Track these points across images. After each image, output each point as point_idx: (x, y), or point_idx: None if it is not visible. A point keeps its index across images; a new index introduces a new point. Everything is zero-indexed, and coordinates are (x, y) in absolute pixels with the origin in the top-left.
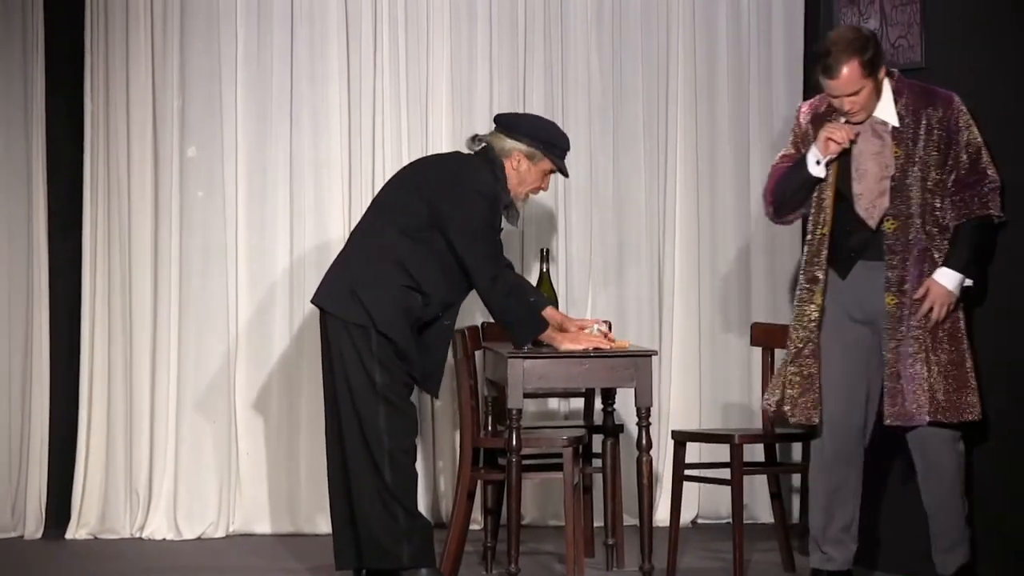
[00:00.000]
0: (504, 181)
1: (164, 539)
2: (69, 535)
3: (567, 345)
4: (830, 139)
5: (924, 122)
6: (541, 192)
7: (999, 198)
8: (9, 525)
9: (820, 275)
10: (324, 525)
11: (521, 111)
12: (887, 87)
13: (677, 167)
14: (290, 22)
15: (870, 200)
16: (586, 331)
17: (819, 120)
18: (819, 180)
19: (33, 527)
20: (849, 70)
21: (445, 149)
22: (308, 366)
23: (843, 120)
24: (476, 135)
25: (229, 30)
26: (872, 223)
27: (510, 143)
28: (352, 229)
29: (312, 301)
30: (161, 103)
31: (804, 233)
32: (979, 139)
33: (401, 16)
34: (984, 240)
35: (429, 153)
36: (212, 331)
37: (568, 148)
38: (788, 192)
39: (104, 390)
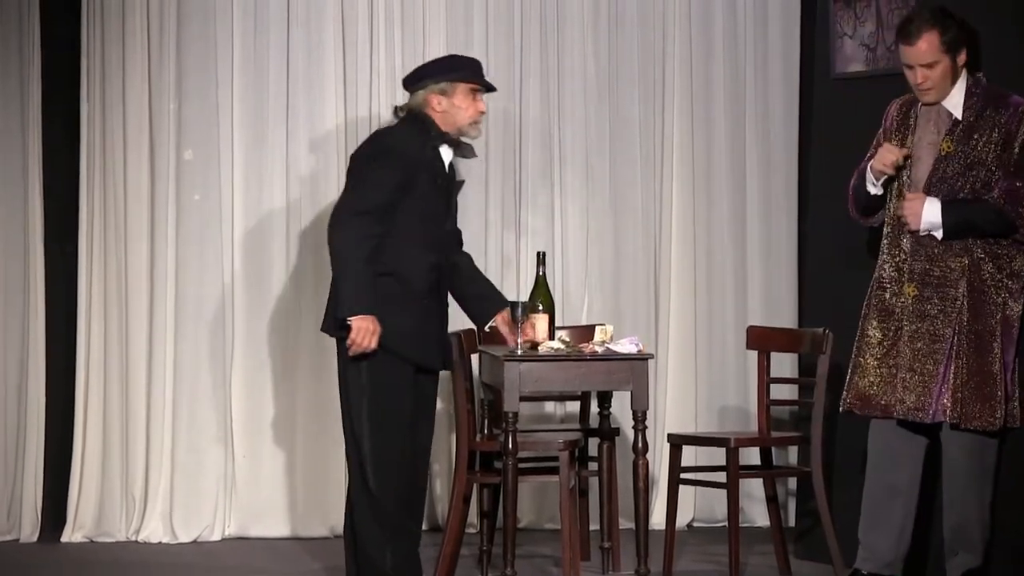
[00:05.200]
0: (435, 128)
1: (160, 542)
2: (65, 538)
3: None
4: (880, 169)
5: (987, 122)
6: (482, 116)
7: None
8: (5, 528)
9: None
10: (321, 528)
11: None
12: (962, 81)
13: (673, 170)
14: (286, 25)
15: (919, 188)
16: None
17: (906, 113)
18: (880, 196)
19: (29, 530)
20: (928, 39)
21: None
22: (304, 371)
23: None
24: (396, 107)
25: (225, 33)
26: None
27: (421, 93)
28: None
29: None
30: (157, 106)
31: (799, 235)
32: None
33: (397, 19)
34: (990, 226)
35: None
36: (208, 335)
37: (477, 65)
38: (861, 200)
39: (100, 393)
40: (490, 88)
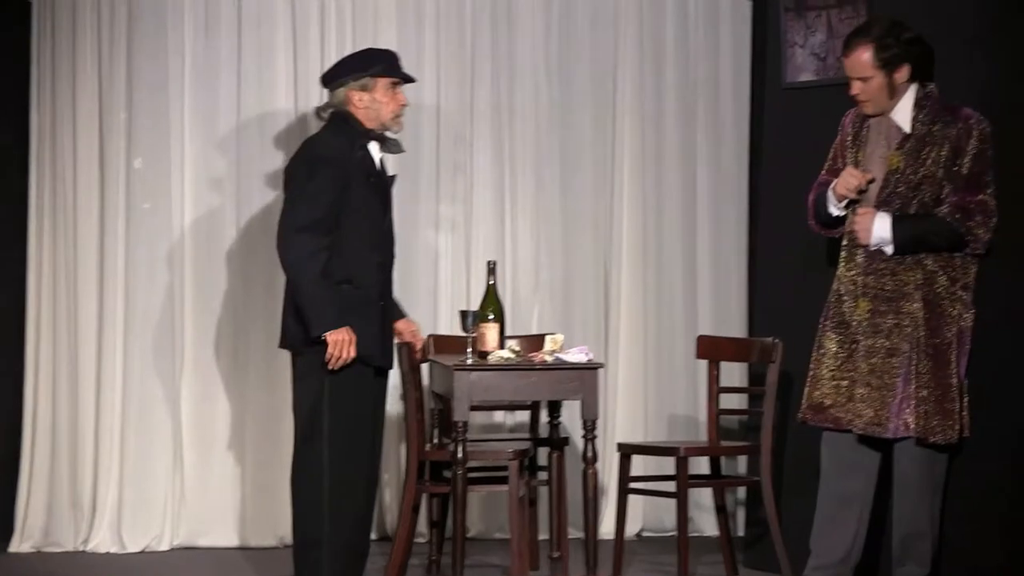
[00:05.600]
0: (360, 125)
1: (108, 552)
2: (12, 548)
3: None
4: (843, 193)
5: (937, 135)
6: (405, 111)
7: (985, 233)
8: None
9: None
10: (270, 539)
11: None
12: (911, 94)
13: (624, 180)
14: (237, 31)
15: (870, 203)
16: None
17: (859, 126)
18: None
19: None
20: (861, 54)
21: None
22: (254, 380)
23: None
24: (317, 108)
25: (177, 41)
26: None
27: (341, 91)
28: None
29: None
30: (108, 115)
31: (749, 245)
32: (987, 161)
33: (348, 23)
34: (940, 241)
35: None
36: (158, 344)
37: (394, 57)
38: (822, 217)
39: (49, 402)
40: (409, 79)
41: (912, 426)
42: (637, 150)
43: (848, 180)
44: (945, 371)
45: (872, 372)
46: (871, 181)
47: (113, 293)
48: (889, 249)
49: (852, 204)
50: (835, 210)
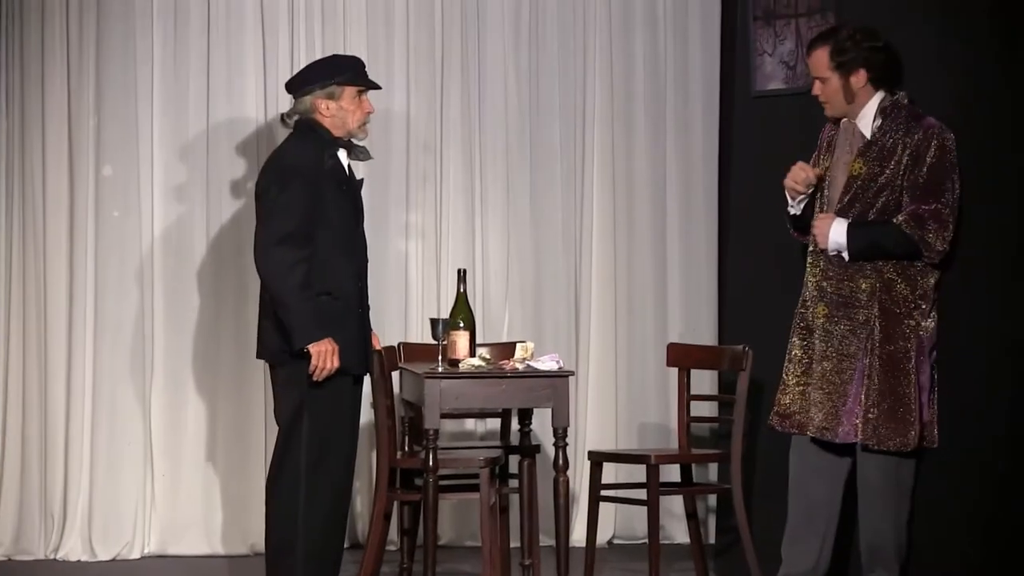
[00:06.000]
0: (327, 133)
1: (79, 560)
2: None
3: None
4: (789, 185)
5: (899, 143)
6: (371, 118)
7: (939, 243)
8: None
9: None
10: (241, 547)
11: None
12: (875, 101)
13: (594, 188)
14: (207, 38)
15: (832, 208)
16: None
17: (833, 132)
18: (800, 215)
19: None
20: (818, 54)
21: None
22: (224, 388)
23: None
24: (282, 114)
25: (145, 48)
26: None
27: (307, 99)
28: None
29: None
30: (77, 122)
31: (719, 252)
32: (946, 171)
33: (318, 32)
34: (897, 249)
35: None
36: (128, 352)
37: (360, 65)
38: (788, 220)
39: (19, 410)
40: (374, 86)
41: (860, 431)
42: (607, 158)
43: (796, 172)
44: (900, 379)
45: (824, 377)
46: (822, 178)
47: (83, 301)
48: (845, 255)
49: (811, 202)
50: (791, 208)
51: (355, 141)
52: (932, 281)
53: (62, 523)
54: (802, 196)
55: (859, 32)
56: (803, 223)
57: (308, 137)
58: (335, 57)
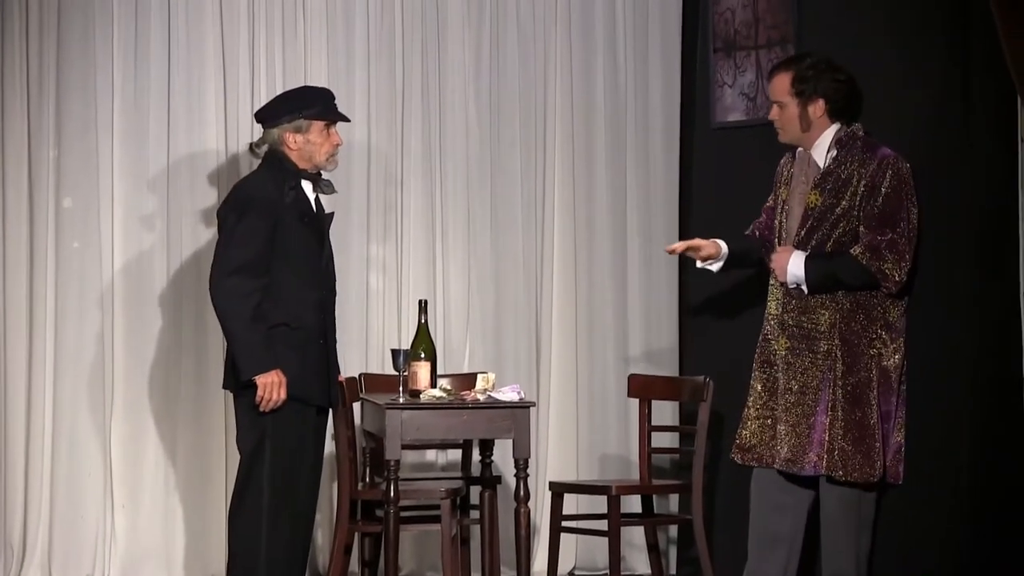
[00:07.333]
0: (293, 166)
1: None
2: None
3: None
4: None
5: (854, 174)
6: (339, 149)
7: (896, 273)
8: None
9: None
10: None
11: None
12: (831, 132)
13: (554, 219)
14: (167, 69)
15: (790, 240)
16: None
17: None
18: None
19: None
20: (779, 79)
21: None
22: (184, 418)
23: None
24: (251, 143)
25: (106, 79)
26: None
27: (275, 131)
28: None
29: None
30: (36, 154)
31: (680, 284)
32: (901, 201)
33: (279, 67)
34: (854, 280)
35: None
36: (87, 384)
37: (329, 97)
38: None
39: None
40: (343, 119)
41: (825, 463)
42: (567, 189)
43: (677, 250)
44: (862, 410)
45: (788, 410)
46: (692, 248)
47: (42, 332)
48: (804, 288)
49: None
50: (698, 263)
51: (324, 173)
52: (895, 312)
53: (22, 554)
54: (711, 259)
55: (823, 63)
56: (735, 263)
57: (273, 168)
58: (305, 89)
